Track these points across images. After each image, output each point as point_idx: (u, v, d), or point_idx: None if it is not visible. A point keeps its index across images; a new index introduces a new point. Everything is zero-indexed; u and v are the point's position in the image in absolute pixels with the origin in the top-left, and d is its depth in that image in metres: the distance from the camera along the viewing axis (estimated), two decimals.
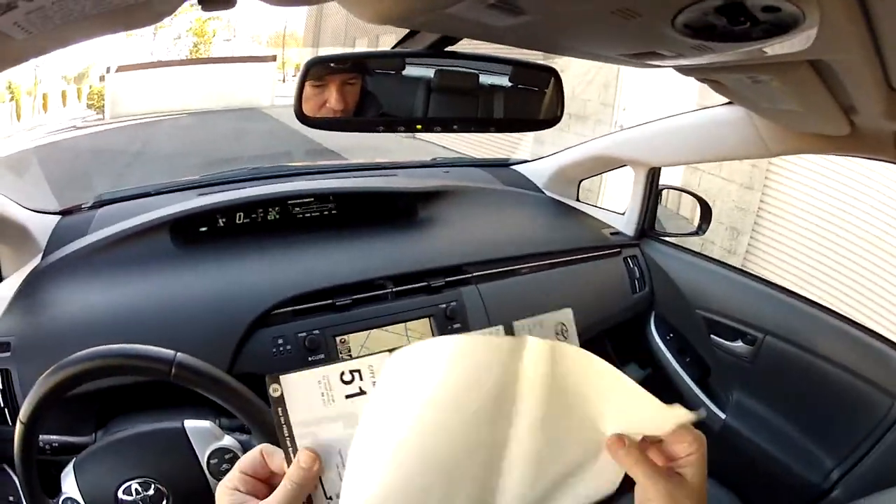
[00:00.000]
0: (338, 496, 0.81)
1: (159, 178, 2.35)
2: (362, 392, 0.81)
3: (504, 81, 1.62)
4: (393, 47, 1.56)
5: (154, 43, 21.25)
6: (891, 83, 0.99)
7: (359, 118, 1.55)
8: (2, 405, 1.54)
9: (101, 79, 17.81)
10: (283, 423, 0.81)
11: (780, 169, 6.77)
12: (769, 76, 1.11)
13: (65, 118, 16.66)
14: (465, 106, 1.63)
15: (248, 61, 18.15)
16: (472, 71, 1.58)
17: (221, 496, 0.82)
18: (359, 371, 0.82)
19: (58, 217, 2.09)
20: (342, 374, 0.81)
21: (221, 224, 2.12)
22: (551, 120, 1.66)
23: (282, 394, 0.80)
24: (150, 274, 1.86)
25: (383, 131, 1.52)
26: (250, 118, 14.06)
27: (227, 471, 0.91)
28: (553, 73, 1.63)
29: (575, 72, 9.70)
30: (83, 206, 2.16)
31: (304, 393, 0.81)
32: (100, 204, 2.17)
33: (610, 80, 9.30)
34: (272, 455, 0.85)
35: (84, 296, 1.77)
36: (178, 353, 1.25)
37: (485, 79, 1.59)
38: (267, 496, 0.81)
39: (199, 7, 0.95)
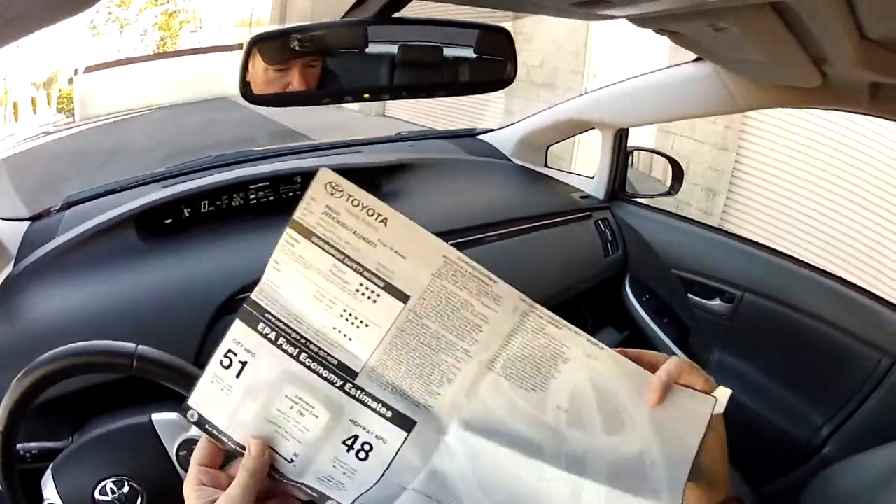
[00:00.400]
0: (296, 455, 0.87)
1: (133, 175, 2.32)
2: (244, 364, 0.86)
3: (469, 53, 1.61)
4: (343, 16, 1.54)
5: (121, 41, 21.18)
6: (863, 31, 0.96)
7: (313, 92, 1.52)
8: None
9: (70, 81, 17.77)
10: (215, 433, 0.87)
11: (754, 129, 6.78)
12: (730, 23, 1.08)
13: (35, 125, 16.60)
14: (427, 76, 1.64)
15: (216, 51, 18.08)
16: (436, 44, 1.57)
17: (190, 497, 0.84)
18: (231, 350, 0.87)
19: (27, 223, 2.05)
20: (220, 362, 0.87)
21: (186, 214, 2.08)
22: (506, 80, 1.64)
23: (199, 413, 0.87)
24: (117, 270, 1.83)
25: (330, 103, 1.50)
26: (221, 108, 13.99)
27: None
28: (506, 35, 1.60)
29: (542, 41, 9.70)
30: (52, 210, 2.13)
31: (211, 398, 0.87)
32: (68, 205, 2.14)
33: (579, 47, 9.29)
34: None
35: (55, 298, 1.75)
36: (139, 346, 1.22)
37: (449, 51, 1.59)
38: (227, 481, 0.85)
39: None
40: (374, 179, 2.40)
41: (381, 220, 0.83)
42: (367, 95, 1.55)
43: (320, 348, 0.87)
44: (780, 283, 2.29)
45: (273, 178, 2.23)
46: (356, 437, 0.88)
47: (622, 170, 2.67)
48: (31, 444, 1.39)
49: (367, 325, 0.86)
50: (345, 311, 0.85)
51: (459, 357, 0.87)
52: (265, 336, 0.87)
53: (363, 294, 0.85)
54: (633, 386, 0.88)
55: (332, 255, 0.84)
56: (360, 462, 0.88)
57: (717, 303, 2.40)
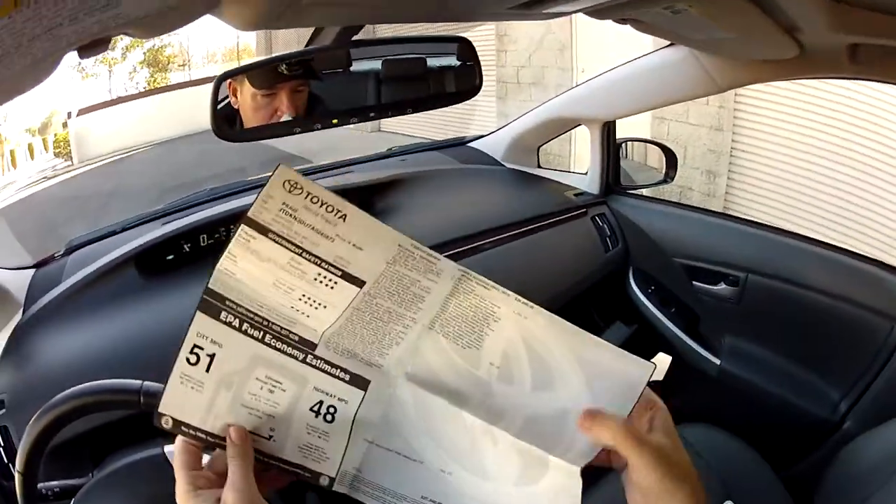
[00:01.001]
0: (272, 430, 0.91)
1: (133, 214, 2.33)
2: (212, 357, 0.87)
3: (452, 61, 1.63)
4: (306, 45, 1.56)
5: (111, 81, 21.27)
6: None
7: (293, 120, 1.54)
8: (5, 461, 1.55)
9: (65, 125, 17.85)
10: (192, 433, 0.89)
11: (747, 107, 6.78)
12: (686, 3, 1.08)
13: (34, 171, 16.67)
14: (412, 89, 1.67)
15: (205, 83, 18.13)
16: (419, 55, 1.61)
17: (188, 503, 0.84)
18: (196, 345, 0.87)
19: (33, 271, 2.07)
20: (187, 360, 0.87)
21: (187, 249, 2.09)
22: (476, 88, 1.66)
23: (173, 418, 0.88)
24: (122, 309, 1.83)
25: (302, 131, 1.52)
26: (215, 139, 14.05)
27: None
28: (464, 42, 1.62)
29: (526, 41, 9.72)
30: (56, 256, 2.13)
31: (182, 399, 0.88)
32: (71, 250, 2.14)
33: (565, 43, 9.30)
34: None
35: (64, 342, 1.75)
36: (145, 382, 1.22)
37: (433, 62, 1.62)
38: (219, 480, 0.86)
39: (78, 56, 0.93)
40: (367, 198, 2.40)
41: (341, 217, 0.84)
42: (354, 119, 1.57)
43: (282, 327, 0.89)
44: (783, 261, 2.28)
45: None
46: (321, 402, 0.92)
47: (614, 163, 2.67)
48: (53, 483, 1.40)
49: (324, 307, 0.88)
50: (303, 295, 0.87)
51: (406, 324, 0.91)
52: (229, 324, 0.88)
53: (321, 282, 0.86)
54: (566, 346, 0.91)
55: (290, 250, 0.84)
56: (328, 424, 0.93)
57: (722, 287, 2.39)
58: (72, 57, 0.89)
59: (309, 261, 0.85)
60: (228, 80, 1.56)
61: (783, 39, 1.34)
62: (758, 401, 2.31)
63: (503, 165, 2.85)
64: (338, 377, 0.92)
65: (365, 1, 0.90)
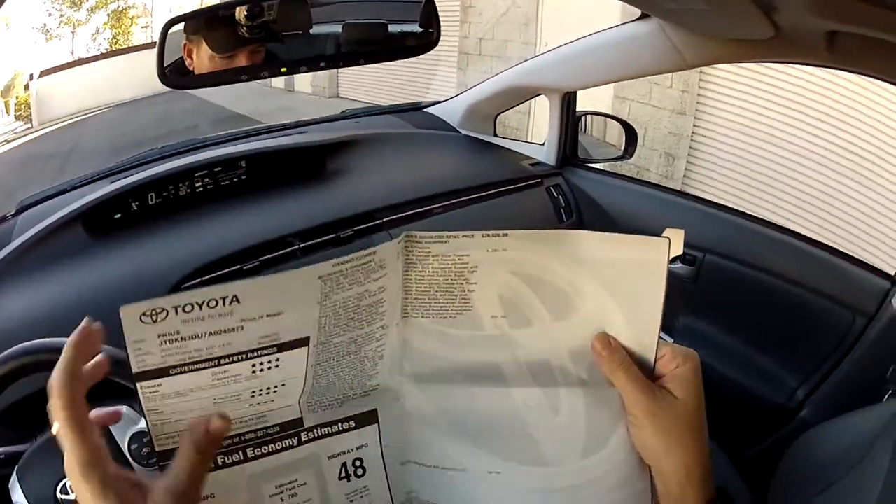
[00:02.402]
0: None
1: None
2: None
3: (415, 28, 1.62)
4: None
5: (74, 43, 21.09)
6: None
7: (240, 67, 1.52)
8: None
9: (26, 87, 17.71)
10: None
11: (711, 92, 6.85)
12: None
13: None
14: (370, 50, 1.67)
15: None
16: (381, 21, 1.60)
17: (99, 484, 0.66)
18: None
19: None
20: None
21: (135, 207, 2.06)
22: (429, 44, 1.63)
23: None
24: (68, 269, 1.82)
25: (248, 80, 1.50)
26: (176, 99, 14.01)
27: (149, 454, 0.95)
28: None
29: (491, 13, 9.73)
30: (7, 216, 2.11)
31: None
32: (21, 209, 2.12)
33: (530, 18, 9.33)
34: None
35: (11, 303, 1.73)
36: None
37: (394, 28, 1.61)
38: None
39: None
40: (319, 158, 2.38)
41: (231, 302, 0.70)
42: (284, 70, 1.55)
43: (256, 430, 0.79)
44: (743, 244, 2.27)
45: (217, 163, 2.20)
46: (344, 464, 0.84)
47: (572, 135, 2.64)
48: None
49: (283, 385, 0.78)
50: (253, 393, 0.76)
51: (380, 336, 0.81)
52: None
53: (261, 370, 0.75)
54: (561, 255, 0.82)
55: (205, 368, 0.72)
56: (362, 479, 0.85)
57: (678, 266, 2.36)
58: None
59: (233, 362, 0.73)
60: (184, 42, 1.53)
61: (759, 18, 1.31)
62: (711, 383, 2.27)
63: (459, 132, 2.83)
64: (344, 430, 0.84)
65: None
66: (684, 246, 2.24)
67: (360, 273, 0.75)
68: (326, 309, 0.75)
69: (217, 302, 0.69)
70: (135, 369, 0.70)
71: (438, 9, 1.60)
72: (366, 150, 2.47)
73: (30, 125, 16.82)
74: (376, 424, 0.85)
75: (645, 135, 7.03)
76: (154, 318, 0.68)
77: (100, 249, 1.90)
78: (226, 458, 0.78)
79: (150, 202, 2.09)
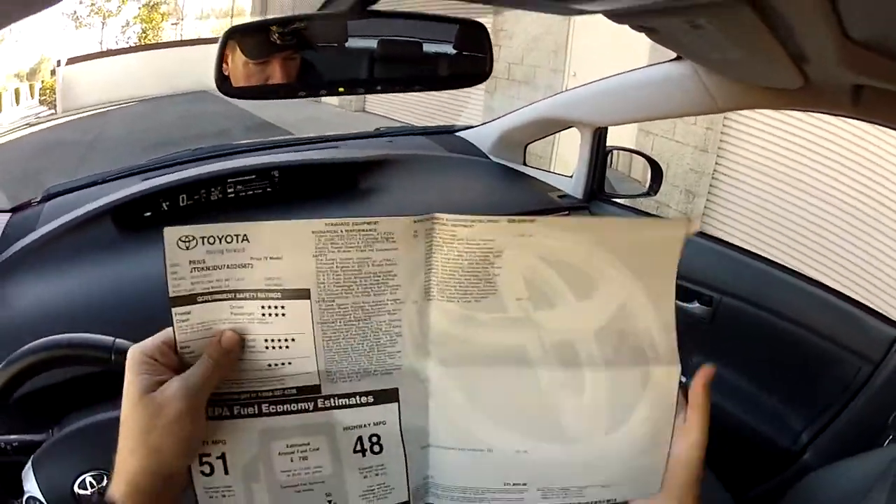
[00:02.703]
0: (329, 494, 0.86)
1: (112, 168, 2.32)
2: (222, 456, 0.84)
3: (448, 49, 1.59)
4: (319, 8, 1.54)
5: (103, 33, 21.16)
6: (845, 30, 0.95)
7: (289, 84, 1.52)
8: None
9: (52, 73, 17.76)
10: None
11: (735, 131, 6.82)
12: (707, 20, 1.07)
13: (18, 116, 16.57)
14: (406, 71, 1.64)
15: (197, 44, 18.07)
16: (416, 39, 1.57)
17: (136, 363, 0.81)
18: (202, 455, 0.84)
19: (8, 215, 2.05)
20: (202, 472, 0.84)
21: (165, 207, 2.08)
22: (482, 75, 1.63)
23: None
24: (95, 263, 1.83)
25: (306, 96, 1.50)
26: (200, 100, 14.03)
27: None
28: (482, 30, 1.60)
29: (522, 38, 9.75)
30: (33, 202, 2.13)
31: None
32: (48, 197, 2.14)
33: (560, 45, 9.34)
34: None
35: (35, 290, 1.74)
36: (117, 340, 1.23)
37: (429, 47, 1.59)
38: (181, 366, 0.82)
39: None
40: (352, 175, 2.40)
41: (242, 240, 0.81)
42: (341, 89, 1.54)
43: (273, 390, 0.85)
44: (760, 288, 2.28)
45: (251, 171, 2.22)
46: (360, 437, 0.87)
47: (601, 169, 2.64)
48: (12, 437, 1.38)
49: (293, 340, 0.84)
50: (266, 340, 0.84)
51: (392, 309, 0.86)
52: (220, 417, 0.84)
53: (270, 315, 0.83)
54: (584, 239, 0.86)
55: (223, 299, 0.82)
56: (379, 455, 0.88)
57: (695, 305, 2.38)
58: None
59: (246, 298, 0.82)
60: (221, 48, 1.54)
61: (790, 69, 1.33)
62: (720, 422, 2.28)
63: (489, 158, 2.83)
64: (362, 404, 0.87)
65: None
66: (703, 287, 2.25)
67: (359, 238, 0.82)
68: (323, 265, 0.82)
69: (232, 238, 0.80)
70: (171, 294, 0.80)
71: (460, 18, 1.59)
72: (398, 170, 2.47)
73: (53, 111, 16.88)
74: (397, 403, 0.88)
75: (667, 170, 6.92)
76: (187, 244, 0.79)
77: (128, 246, 1.91)
78: (241, 410, 0.84)
79: (181, 203, 2.10)
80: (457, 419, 0.89)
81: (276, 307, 0.83)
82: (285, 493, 0.85)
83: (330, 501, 0.86)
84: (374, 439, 0.87)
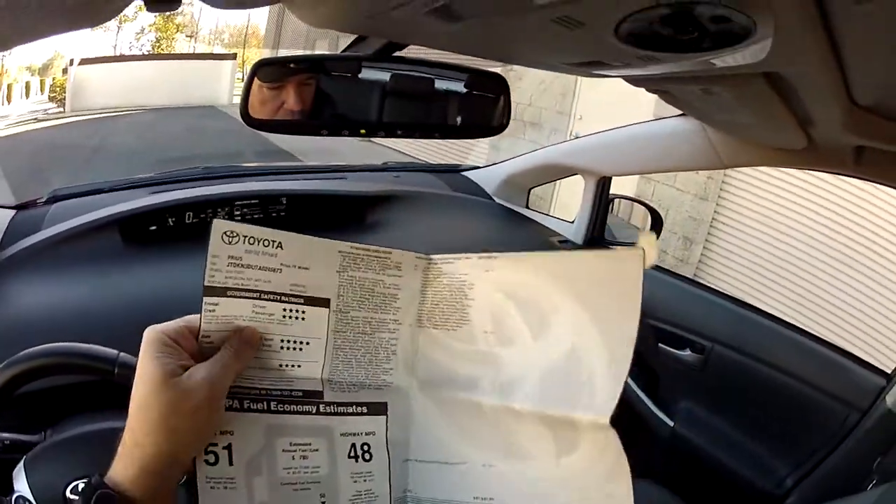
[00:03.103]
0: (323, 496, 0.88)
1: (115, 175, 2.34)
2: (228, 447, 0.86)
3: (459, 87, 1.61)
4: (343, 51, 1.56)
5: (118, 37, 21.17)
6: (852, 97, 0.98)
7: (310, 121, 1.53)
8: None
9: (64, 71, 17.76)
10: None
11: (735, 182, 6.83)
12: (722, 88, 1.10)
13: (27, 110, 16.56)
14: (419, 110, 1.64)
15: (210, 59, 18.11)
16: (428, 76, 1.58)
17: (156, 344, 0.81)
18: (210, 444, 0.85)
19: (13, 211, 2.06)
20: (206, 461, 0.85)
21: (171, 223, 2.10)
22: (498, 127, 1.65)
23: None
24: (99, 272, 1.84)
25: (330, 135, 1.52)
26: (208, 116, 14.06)
27: None
28: (501, 81, 1.63)
29: (531, 80, 9.75)
30: (38, 202, 2.14)
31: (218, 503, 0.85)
32: (54, 199, 2.14)
33: (567, 89, 9.36)
34: None
35: (35, 293, 1.75)
36: (121, 353, 1.24)
37: (440, 84, 1.59)
38: (199, 354, 0.84)
39: (145, 8, 0.95)
40: (359, 208, 2.42)
41: (277, 246, 0.87)
42: (363, 131, 1.57)
43: (282, 390, 0.89)
44: (751, 337, 2.32)
45: (260, 196, 2.24)
46: (353, 444, 0.91)
47: (602, 216, 2.67)
48: (4, 435, 1.39)
49: (307, 343, 0.90)
50: (282, 340, 0.88)
51: (392, 329, 0.93)
52: (231, 409, 0.86)
53: (290, 318, 0.89)
54: (542, 274, 0.91)
55: (249, 297, 0.86)
56: (369, 463, 0.92)
57: (687, 353, 2.41)
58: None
59: (270, 300, 0.87)
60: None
61: (795, 131, 1.36)
62: (706, 466, 2.34)
63: (493, 200, 2.85)
64: (356, 413, 0.92)
65: (440, 29, 0.92)
66: (695, 335, 2.28)
67: (376, 263, 0.92)
68: (344, 280, 0.90)
69: (269, 243, 0.86)
70: (206, 283, 0.84)
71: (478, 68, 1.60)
72: (404, 206, 2.49)
73: (62, 108, 16.86)
74: (385, 416, 0.94)
75: (666, 217, 6.94)
76: (231, 239, 0.84)
77: (133, 259, 1.93)
78: (251, 405, 0.88)
79: (187, 220, 2.12)
80: (435, 435, 0.95)
81: (297, 311, 0.89)
82: (284, 490, 0.88)
83: (323, 502, 0.89)
84: (366, 447, 0.92)
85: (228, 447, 0.86)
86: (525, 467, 0.92)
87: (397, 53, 1.46)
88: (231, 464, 0.86)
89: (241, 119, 1.48)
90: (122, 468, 0.80)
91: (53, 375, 1.25)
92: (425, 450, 0.95)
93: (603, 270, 0.89)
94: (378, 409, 0.93)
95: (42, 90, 18.62)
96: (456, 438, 0.94)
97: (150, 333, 0.83)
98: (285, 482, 0.88)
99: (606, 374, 0.88)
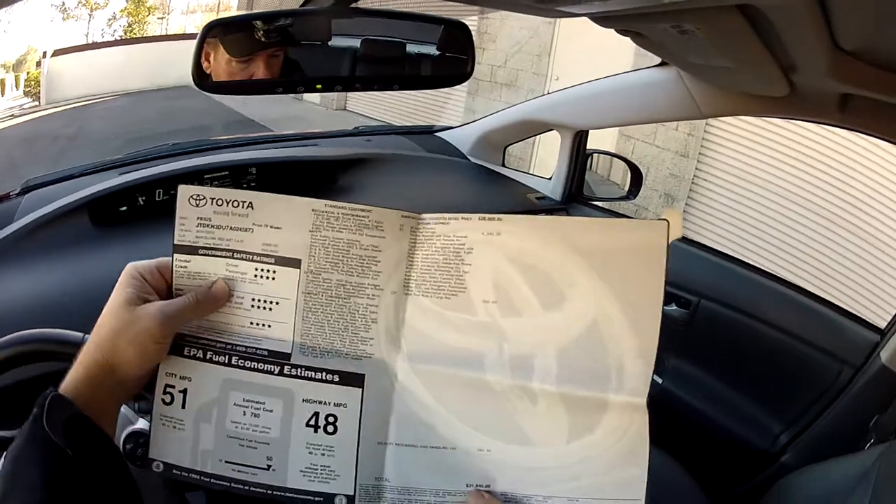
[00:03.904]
0: (270, 458, 0.89)
1: (92, 161, 2.30)
2: (184, 391, 0.91)
3: (430, 49, 1.59)
4: (301, 5, 1.53)
5: (90, 25, 21.12)
6: (836, 40, 0.94)
7: (271, 81, 1.51)
8: None
9: (38, 64, 17.73)
10: (185, 475, 0.90)
11: (716, 138, 6.85)
12: (695, 25, 1.06)
13: (2, 108, 16.52)
14: (388, 70, 1.64)
15: (181, 39, 18.01)
16: (399, 40, 1.57)
17: (128, 276, 0.90)
18: (167, 385, 0.91)
19: None
20: (162, 401, 0.91)
21: (141, 202, 2.07)
22: (464, 75, 1.62)
23: (163, 462, 0.91)
24: (71, 256, 1.82)
25: (284, 92, 1.49)
26: (183, 96, 14.00)
27: (144, 455, 0.94)
28: (464, 29, 1.59)
29: (506, 41, 9.75)
30: (11, 194, 2.10)
31: (167, 441, 0.91)
32: (26, 190, 2.11)
33: (543, 49, 9.36)
34: None
35: (10, 284, 1.72)
36: (85, 335, 1.20)
37: (411, 48, 1.59)
38: (168, 293, 0.92)
39: None
40: (330, 173, 2.39)
41: (248, 206, 0.89)
42: (319, 86, 1.53)
43: (247, 346, 0.90)
44: (738, 291, 2.29)
45: (228, 167, 2.21)
46: (316, 413, 0.89)
47: (580, 172, 2.63)
48: None
49: (277, 303, 0.90)
50: (253, 299, 0.90)
51: (371, 294, 0.90)
52: (194, 357, 0.91)
53: (261, 277, 0.90)
54: (556, 242, 0.86)
55: (222, 256, 0.90)
56: (331, 437, 0.89)
57: (673, 308, 2.38)
58: None
59: (242, 259, 0.90)
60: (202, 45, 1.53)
61: (777, 77, 1.32)
62: (696, 424, 2.31)
63: (468, 159, 2.82)
64: (326, 381, 0.90)
65: None
66: (680, 289, 2.24)
67: (352, 222, 0.88)
68: (316, 240, 0.90)
69: (239, 203, 0.89)
70: (175, 241, 0.90)
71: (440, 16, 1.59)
72: (376, 169, 2.47)
73: (37, 102, 16.82)
74: (361, 390, 0.90)
75: (647, 175, 7.00)
76: (197, 202, 0.89)
77: (103, 241, 1.89)
78: (213, 356, 0.91)
79: (157, 198, 2.08)
80: (420, 415, 0.89)
81: (268, 270, 0.90)
82: (229, 443, 0.89)
83: (270, 466, 0.89)
84: (331, 419, 0.89)
85: (184, 391, 0.90)
86: (527, 452, 0.88)
87: (355, 5, 1.44)
88: (183, 407, 0.90)
89: (213, 97, 1.44)
90: (72, 373, 0.87)
91: (22, 365, 1.22)
92: (408, 432, 0.90)
93: (625, 241, 0.84)
94: (353, 380, 0.90)
95: (17, 86, 18.55)
96: (446, 420, 0.89)
97: (127, 267, 0.91)
98: (232, 435, 0.89)
99: (635, 354, 0.84)
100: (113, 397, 0.89)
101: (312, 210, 0.89)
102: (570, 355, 0.85)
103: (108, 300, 0.89)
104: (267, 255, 0.90)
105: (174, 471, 0.90)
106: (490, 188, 2.67)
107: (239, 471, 0.90)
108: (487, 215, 0.86)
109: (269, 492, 0.89)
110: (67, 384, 0.87)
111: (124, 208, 2.04)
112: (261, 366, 0.90)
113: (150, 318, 0.85)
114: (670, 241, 0.82)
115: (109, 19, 21.93)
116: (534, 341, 0.86)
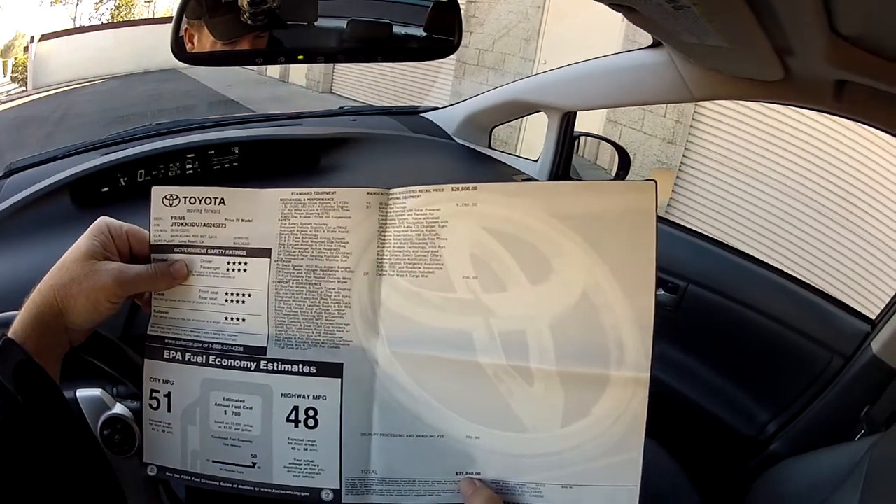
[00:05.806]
0: (255, 455, 0.91)
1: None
2: (168, 395, 0.94)
3: (419, 32, 1.60)
4: None
5: (77, 10, 21.05)
6: (834, 25, 0.92)
7: (241, 51, 1.50)
8: None
9: (25, 50, 17.72)
10: (177, 477, 0.94)
11: (703, 125, 6.86)
12: (692, 2, 1.04)
13: None
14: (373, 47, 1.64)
15: (168, 22, 17.96)
16: (385, 21, 1.58)
17: (98, 230, 0.95)
18: (152, 390, 0.95)
19: None
20: (150, 406, 0.95)
21: (123, 183, 2.07)
22: (450, 48, 1.62)
23: (157, 466, 0.94)
24: (52, 238, 1.76)
25: (263, 63, 1.48)
26: (170, 79, 14.03)
27: (121, 441, 1.01)
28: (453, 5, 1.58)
29: (493, 24, 9.75)
30: None
31: (158, 445, 0.94)
32: (9, 173, 2.10)
33: (531, 34, 9.36)
34: None
35: None
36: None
37: (398, 29, 1.59)
38: (129, 256, 0.96)
39: None
40: (314, 152, 2.37)
41: (220, 202, 0.93)
42: (301, 57, 1.53)
43: (223, 344, 0.92)
44: (727, 277, 2.28)
45: (209, 146, 2.20)
46: (296, 408, 0.90)
47: (567, 155, 2.61)
48: None
49: (249, 295, 0.91)
50: (227, 293, 0.92)
51: (342, 277, 0.89)
52: (173, 360, 0.93)
53: (233, 270, 0.93)
54: (538, 211, 0.83)
55: (196, 253, 0.94)
56: (312, 431, 0.89)
57: (660, 293, 2.35)
58: None
59: (215, 254, 0.94)
60: (185, 27, 1.52)
61: (772, 60, 1.30)
62: (684, 411, 2.30)
63: (454, 140, 2.80)
64: (303, 373, 0.90)
65: None
66: (668, 274, 2.23)
67: (318, 206, 0.89)
68: (286, 228, 0.92)
69: (211, 200, 0.93)
70: (152, 242, 0.94)
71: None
72: (360, 148, 2.45)
73: (24, 88, 16.80)
74: (339, 379, 0.89)
75: (634, 160, 7.03)
76: (171, 202, 0.94)
77: (85, 221, 1.85)
78: (192, 357, 0.94)
79: (139, 179, 2.08)
80: (404, 402, 0.88)
81: (240, 263, 0.93)
82: (214, 443, 0.91)
83: (255, 463, 0.90)
84: (311, 412, 0.89)
85: (168, 395, 0.93)
86: (518, 439, 0.86)
87: None
88: (169, 410, 0.93)
89: (200, 80, 1.43)
90: (23, 314, 0.92)
91: None
92: (393, 421, 0.88)
93: (611, 204, 0.81)
94: (330, 370, 0.89)
95: (5, 72, 18.53)
96: (431, 406, 0.87)
97: (99, 220, 0.96)
98: (216, 435, 0.91)
99: (631, 324, 0.82)
100: (59, 344, 0.92)
101: (281, 199, 0.92)
102: (563, 329, 0.83)
103: (72, 245, 0.93)
104: (238, 248, 0.93)
105: (167, 473, 0.93)
106: (475, 169, 2.64)
107: (226, 470, 0.92)
108: (461, 185, 0.84)
109: (256, 489, 0.90)
110: (16, 326, 0.90)
111: (106, 189, 2.03)
112: (237, 363, 0.91)
113: (108, 274, 0.89)
114: (659, 202, 0.80)
115: (97, 3, 21.84)
116: (522, 316, 0.84)
